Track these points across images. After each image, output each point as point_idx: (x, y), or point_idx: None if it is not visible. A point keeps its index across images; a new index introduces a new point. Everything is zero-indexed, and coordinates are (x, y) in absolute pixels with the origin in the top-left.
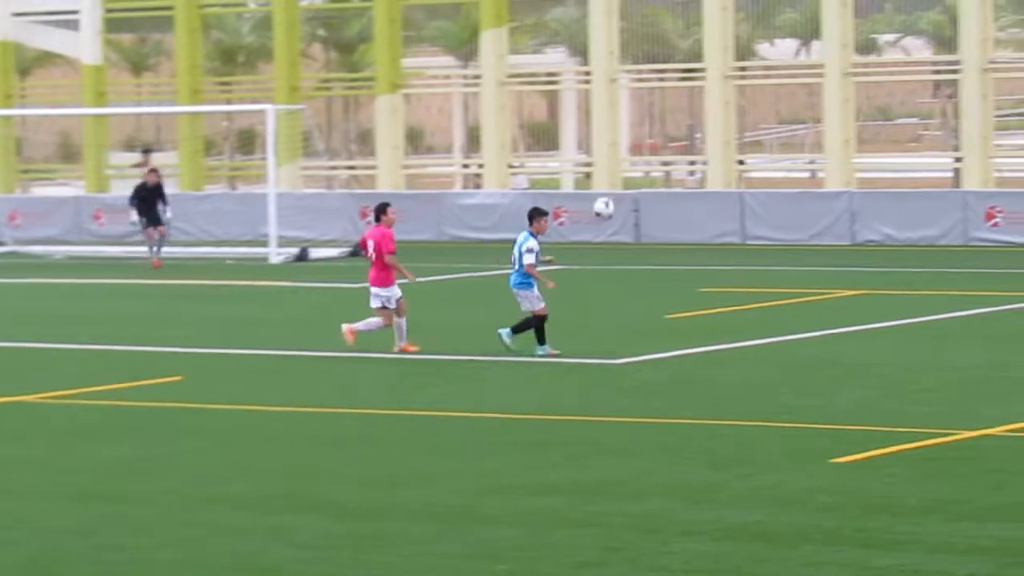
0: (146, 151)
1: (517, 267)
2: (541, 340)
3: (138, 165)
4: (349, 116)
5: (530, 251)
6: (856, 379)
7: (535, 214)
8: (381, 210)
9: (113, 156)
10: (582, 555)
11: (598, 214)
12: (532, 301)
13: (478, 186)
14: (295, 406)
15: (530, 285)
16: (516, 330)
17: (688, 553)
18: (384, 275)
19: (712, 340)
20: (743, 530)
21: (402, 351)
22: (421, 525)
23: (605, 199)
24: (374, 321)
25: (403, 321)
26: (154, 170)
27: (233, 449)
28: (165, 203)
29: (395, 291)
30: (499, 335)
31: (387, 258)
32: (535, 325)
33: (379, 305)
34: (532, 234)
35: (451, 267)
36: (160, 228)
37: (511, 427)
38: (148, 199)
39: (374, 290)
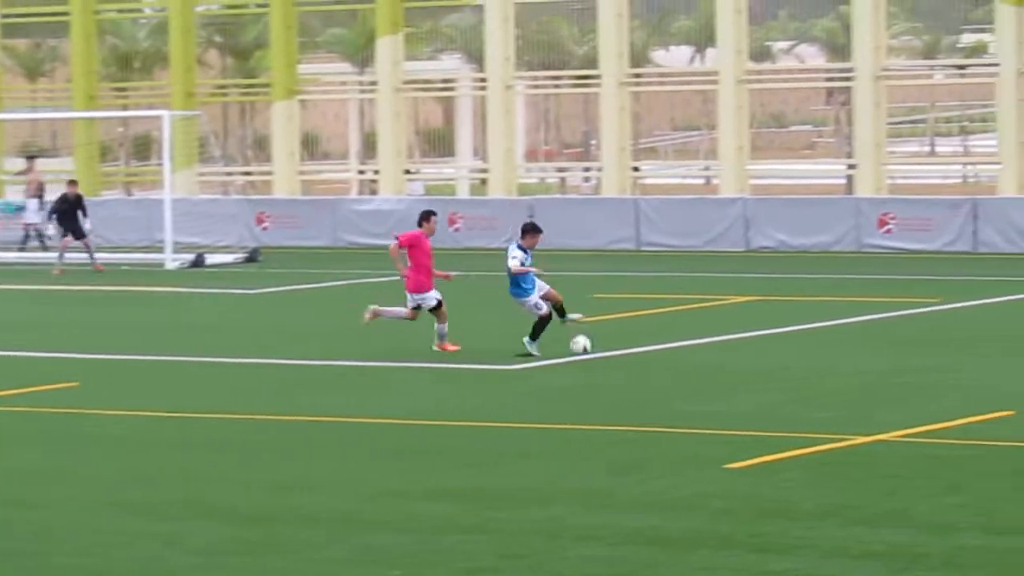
0: (30, 157)
1: (509, 277)
2: (534, 337)
3: (22, 172)
4: (245, 122)
5: (514, 257)
6: (751, 385)
7: (529, 229)
8: (424, 216)
9: (7, 162)
10: (474, 561)
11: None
12: (530, 307)
13: (374, 192)
14: (190, 412)
15: (525, 293)
16: (534, 337)
17: (583, 558)
18: (420, 280)
19: (607, 346)
20: (639, 535)
21: (441, 349)
22: (313, 530)
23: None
24: (400, 311)
25: (443, 327)
26: (74, 181)
27: (128, 455)
28: (85, 214)
29: (431, 295)
30: (524, 343)
31: (391, 246)
32: (543, 326)
33: (414, 306)
34: (520, 247)
35: (347, 273)
36: (84, 240)
37: (406, 432)
38: (68, 211)
39: (411, 296)
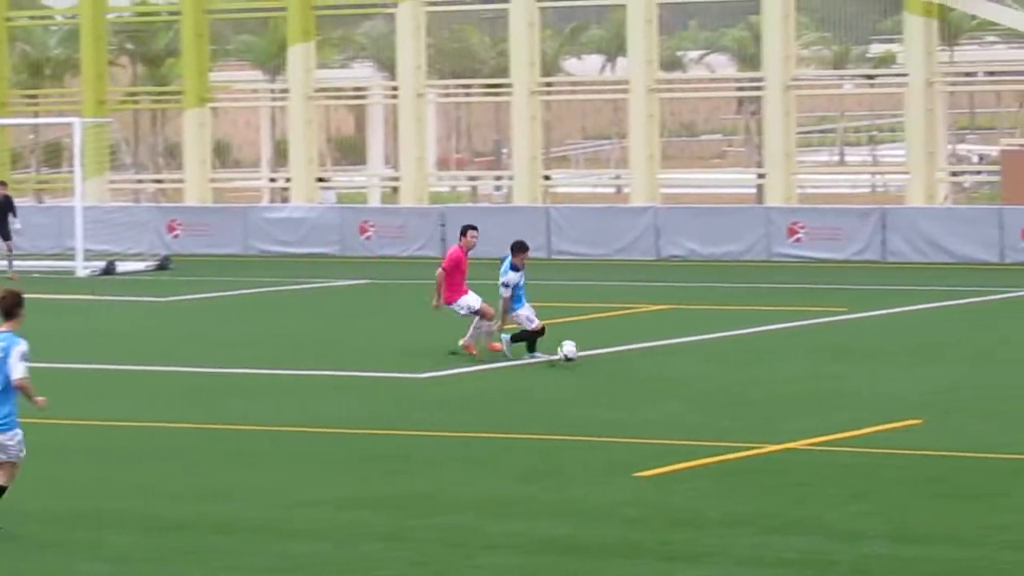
0: None
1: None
2: (531, 348)
3: None
4: (157, 129)
5: (505, 285)
6: (661, 393)
7: (518, 247)
8: (462, 231)
9: None
10: (387, 569)
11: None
12: (520, 320)
13: (285, 200)
14: (104, 419)
15: (512, 309)
16: (515, 339)
17: (494, 567)
18: (450, 297)
19: (518, 354)
20: (550, 543)
21: (465, 349)
22: (229, 538)
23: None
24: (483, 326)
25: (483, 325)
26: (3, 183)
27: (43, 463)
28: (15, 215)
29: (468, 298)
30: (502, 340)
31: (438, 273)
32: (528, 338)
33: (465, 313)
34: (513, 266)
35: (258, 280)
36: (9, 243)
37: (319, 441)
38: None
39: (452, 307)
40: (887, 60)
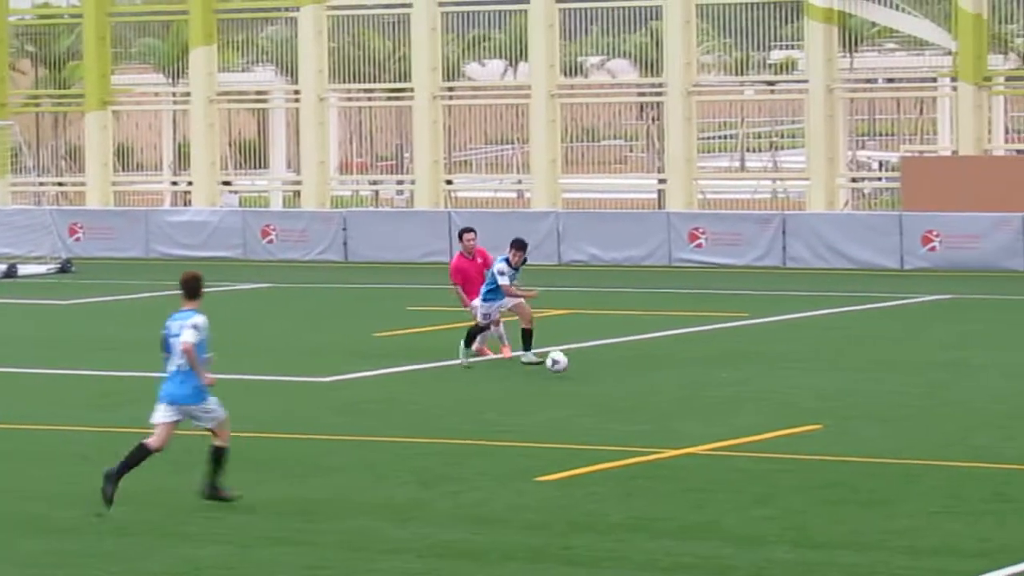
0: None
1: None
2: (468, 342)
3: None
4: (58, 132)
5: (501, 273)
6: (562, 398)
7: (518, 245)
8: (459, 236)
9: None
10: (287, 573)
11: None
12: (476, 313)
13: (187, 203)
14: (6, 423)
15: (491, 300)
16: (467, 342)
17: (394, 571)
18: (470, 300)
19: (420, 359)
20: (450, 547)
21: (479, 352)
22: (128, 542)
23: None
24: (494, 332)
25: (496, 330)
26: None
27: None
28: None
29: (478, 305)
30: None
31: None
32: (472, 332)
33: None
34: (507, 261)
35: (158, 284)
36: None
37: None
38: None
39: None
40: (788, 66)
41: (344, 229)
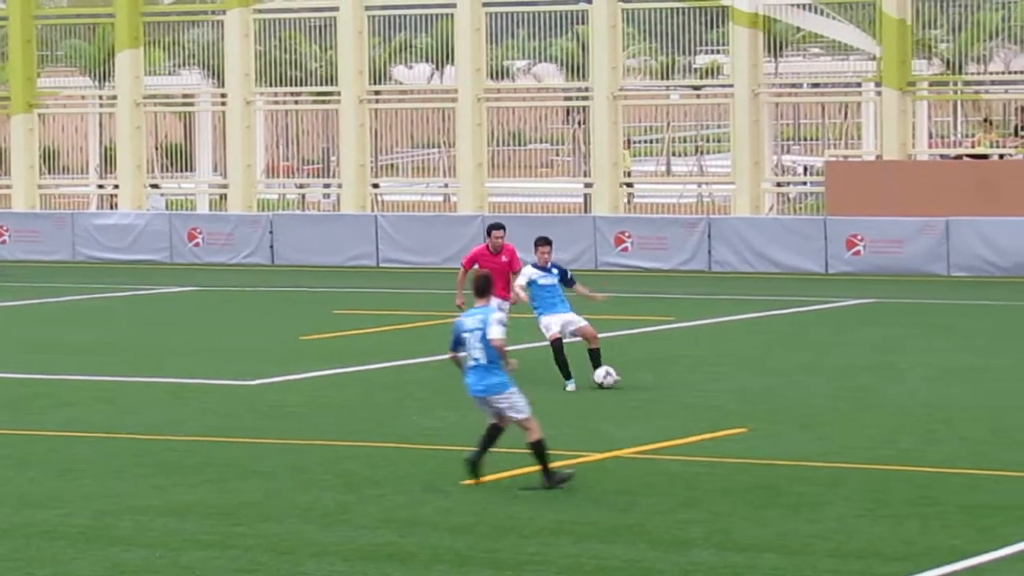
0: None
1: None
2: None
3: None
4: None
5: (521, 274)
6: None
7: (539, 241)
8: (487, 232)
9: None
10: None
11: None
12: (542, 328)
13: (113, 206)
14: None
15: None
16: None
17: (321, 573)
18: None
19: (346, 362)
20: (376, 551)
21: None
22: (56, 545)
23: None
24: None
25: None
26: None
27: None
28: None
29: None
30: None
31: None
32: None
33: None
34: (535, 265)
35: (85, 287)
36: None
37: (144, 448)
38: None
39: None
40: (713, 71)
41: (271, 232)
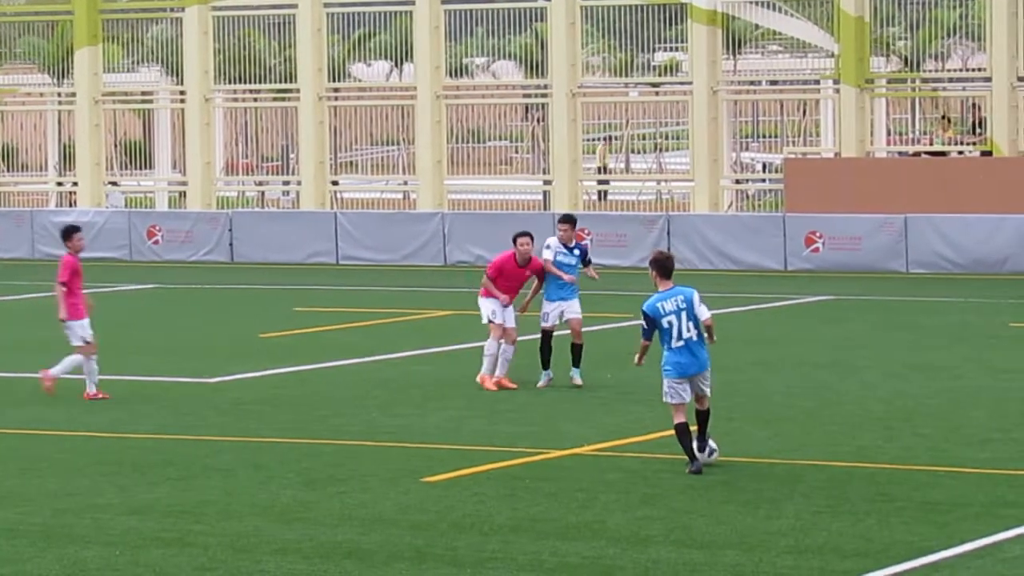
0: None
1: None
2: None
3: None
4: None
5: (547, 247)
6: (447, 399)
7: (563, 219)
8: (513, 240)
9: None
10: (175, 574)
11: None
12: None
13: (72, 204)
14: None
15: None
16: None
17: (281, 571)
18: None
19: (306, 359)
20: (335, 548)
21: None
22: (15, 543)
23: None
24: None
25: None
26: None
27: None
28: None
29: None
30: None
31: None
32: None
33: (486, 321)
34: (561, 242)
35: (44, 285)
36: None
37: (104, 446)
38: None
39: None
40: (672, 68)
41: (230, 230)
